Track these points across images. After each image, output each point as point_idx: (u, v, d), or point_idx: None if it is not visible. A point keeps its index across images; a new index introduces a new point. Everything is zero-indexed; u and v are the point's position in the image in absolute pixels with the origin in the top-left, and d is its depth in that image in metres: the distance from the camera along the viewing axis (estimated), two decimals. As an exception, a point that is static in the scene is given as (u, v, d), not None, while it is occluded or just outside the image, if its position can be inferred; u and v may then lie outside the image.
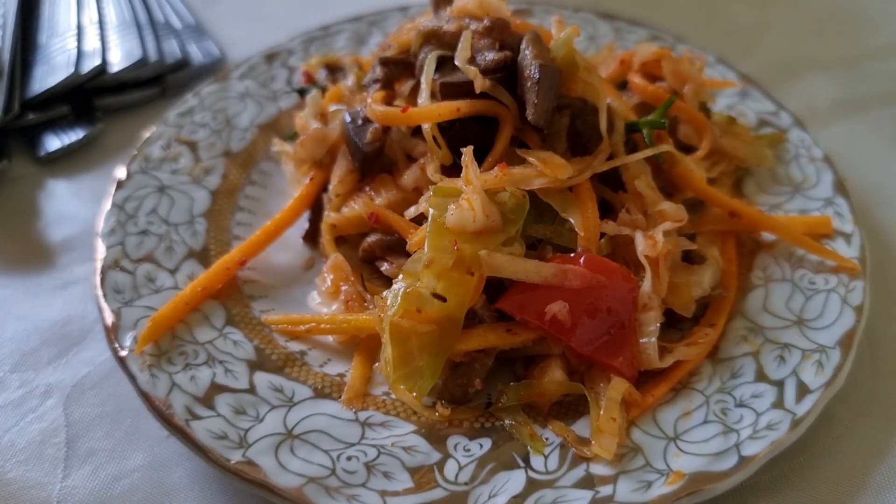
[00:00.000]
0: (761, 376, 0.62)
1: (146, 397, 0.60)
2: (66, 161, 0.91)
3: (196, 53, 1.00)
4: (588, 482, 0.56)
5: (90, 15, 1.00)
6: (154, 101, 0.97)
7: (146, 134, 0.82)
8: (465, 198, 0.61)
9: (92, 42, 0.96)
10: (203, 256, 0.72)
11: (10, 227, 0.85)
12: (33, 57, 0.96)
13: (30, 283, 0.79)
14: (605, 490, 0.55)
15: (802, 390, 0.60)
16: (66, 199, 0.88)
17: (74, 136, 0.91)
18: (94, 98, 0.94)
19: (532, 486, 0.56)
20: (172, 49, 0.98)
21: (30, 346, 0.73)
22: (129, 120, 0.95)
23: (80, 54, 0.94)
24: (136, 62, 0.94)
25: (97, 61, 0.93)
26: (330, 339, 0.67)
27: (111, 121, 0.95)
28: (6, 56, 0.93)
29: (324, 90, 0.80)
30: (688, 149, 0.75)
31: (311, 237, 0.75)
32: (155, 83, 0.97)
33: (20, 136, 0.92)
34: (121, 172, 0.78)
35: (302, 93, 0.84)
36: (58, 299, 0.77)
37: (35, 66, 0.94)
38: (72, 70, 0.91)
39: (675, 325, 0.66)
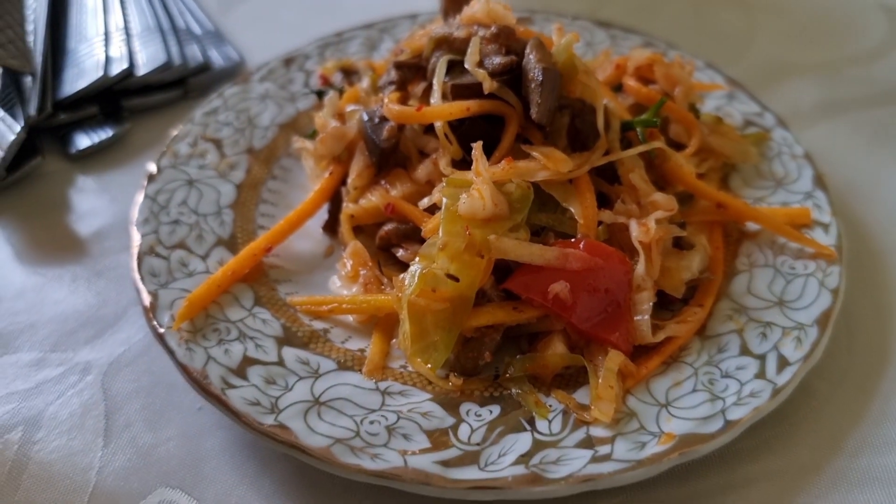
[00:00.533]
0: (745, 351, 0.67)
1: (184, 369, 0.65)
2: (95, 158, 0.96)
3: (217, 58, 1.05)
4: (588, 443, 0.61)
5: (116, 22, 1.05)
6: (177, 103, 1.02)
7: (174, 132, 0.88)
8: (475, 188, 0.66)
9: (119, 47, 1.01)
10: (231, 244, 0.77)
11: (44, 219, 0.90)
12: (63, 61, 1.01)
13: (64, 271, 0.84)
14: (603, 449, 0.60)
15: (783, 363, 0.65)
16: (96, 193, 0.93)
17: (104, 134, 0.96)
18: (121, 99, 0.99)
19: (538, 446, 0.60)
20: (194, 53, 1.04)
21: (68, 327, 0.78)
22: (153, 120, 1.00)
23: (108, 59, 0.99)
24: (160, 66, 0.99)
25: (125, 65, 0.98)
26: (350, 318, 0.72)
27: (137, 120, 1.00)
28: (38, 60, 0.98)
29: (341, 92, 0.86)
30: (678, 146, 0.80)
31: (331, 227, 0.80)
32: (178, 85, 1.02)
33: (52, 134, 0.97)
34: (152, 167, 0.83)
35: (320, 94, 0.89)
36: (92, 285, 0.82)
37: (65, 69, 1.00)
38: (101, 73, 0.96)
39: (666, 306, 0.71)
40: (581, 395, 0.65)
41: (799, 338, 0.67)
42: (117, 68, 0.98)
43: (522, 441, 0.61)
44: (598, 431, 0.62)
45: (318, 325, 0.71)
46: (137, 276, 0.72)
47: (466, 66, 0.73)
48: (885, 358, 0.72)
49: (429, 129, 0.76)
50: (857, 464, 0.65)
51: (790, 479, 0.64)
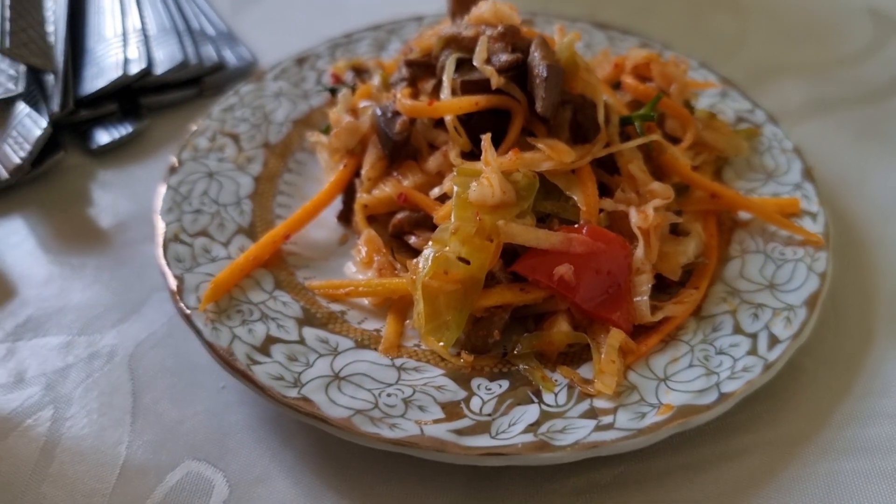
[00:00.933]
0: (738, 330, 0.70)
1: (211, 347, 0.69)
2: (115, 153, 0.99)
3: (230, 57, 1.09)
4: (592, 413, 0.64)
5: (133, 23, 1.09)
6: (193, 100, 1.06)
7: (193, 127, 0.92)
8: (485, 177, 0.70)
9: (137, 47, 1.04)
10: (251, 232, 0.81)
11: (67, 211, 0.93)
12: (82, 60, 1.04)
13: (88, 260, 0.87)
14: (606, 419, 0.63)
15: (773, 340, 0.69)
16: (116, 187, 0.96)
17: (123, 130, 0.99)
18: (139, 97, 1.03)
19: (545, 416, 0.64)
20: (209, 53, 1.08)
21: (94, 312, 0.82)
22: (170, 117, 1.04)
23: (126, 58, 1.03)
24: (177, 65, 1.03)
25: (143, 64, 1.01)
26: (366, 301, 0.76)
27: (154, 117, 1.03)
28: (60, 59, 1.02)
29: (353, 89, 0.90)
30: (674, 141, 0.84)
31: (345, 217, 0.84)
32: (194, 84, 1.05)
33: (73, 130, 1.01)
34: (173, 159, 0.87)
35: (333, 91, 0.93)
36: (115, 273, 0.86)
37: (85, 68, 1.03)
38: (120, 72, 1.00)
39: (664, 289, 0.74)
40: (585, 371, 0.69)
41: (788, 318, 0.71)
42: (136, 67, 1.01)
43: (530, 412, 0.65)
44: (601, 403, 0.65)
45: (336, 307, 0.75)
46: (163, 262, 0.76)
47: (475, 63, 0.77)
48: (869, 337, 0.76)
49: (438, 122, 0.80)
50: (843, 435, 0.69)
51: (781, 449, 0.68)
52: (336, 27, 1.09)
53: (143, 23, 1.09)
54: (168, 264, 0.75)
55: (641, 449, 0.64)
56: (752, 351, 0.69)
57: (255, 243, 0.78)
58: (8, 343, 0.79)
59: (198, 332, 0.70)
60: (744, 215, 0.81)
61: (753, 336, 0.70)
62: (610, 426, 0.63)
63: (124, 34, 1.07)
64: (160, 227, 0.79)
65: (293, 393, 0.65)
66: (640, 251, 0.72)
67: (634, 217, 0.73)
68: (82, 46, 1.07)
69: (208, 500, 0.66)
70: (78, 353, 0.78)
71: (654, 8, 1.23)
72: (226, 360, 0.68)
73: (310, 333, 0.72)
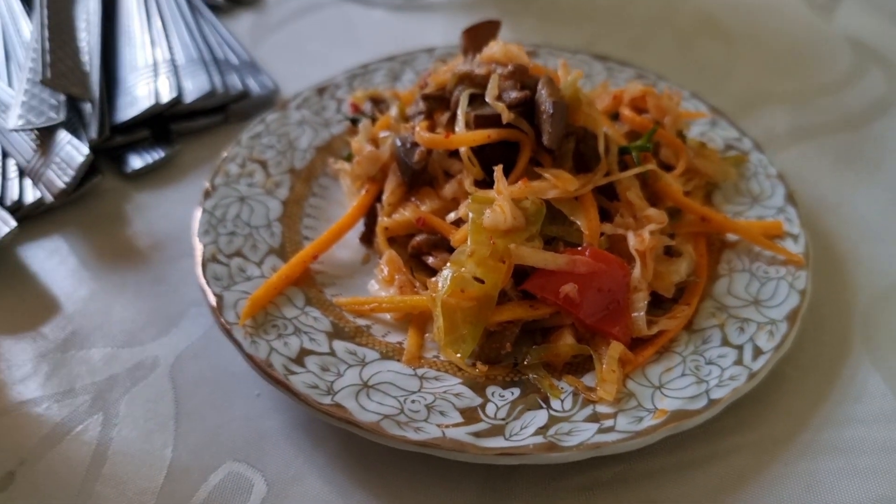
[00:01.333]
0: (725, 342, 0.76)
1: (251, 358, 0.75)
2: (148, 177, 1.06)
3: (254, 85, 1.16)
4: (595, 417, 0.70)
5: (162, 54, 1.16)
6: (219, 127, 1.12)
7: (224, 153, 0.98)
8: (497, 204, 0.77)
9: (167, 76, 1.12)
10: (281, 252, 0.88)
11: (105, 231, 0.99)
12: (116, 90, 1.11)
13: (127, 278, 0.93)
14: (607, 423, 0.70)
15: (757, 352, 0.74)
16: (150, 208, 1.02)
17: (156, 155, 1.06)
18: (170, 124, 1.10)
19: (553, 420, 0.70)
20: (234, 82, 1.15)
21: (136, 325, 0.88)
22: (198, 142, 1.10)
23: (158, 87, 1.10)
24: (205, 94, 1.10)
25: (174, 93, 1.08)
26: (388, 316, 0.82)
27: (184, 143, 1.10)
28: (96, 88, 1.09)
29: (373, 119, 0.97)
30: (668, 168, 0.90)
31: (367, 238, 0.90)
32: (220, 111, 1.12)
33: (108, 155, 1.07)
34: (207, 185, 0.94)
35: (354, 121, 1.01)
36: (153, 289, 0.91)
37: (119, 97, 1.10)
38: (153, 101, 1.07)
39: (659, 305, 0.80)
40: (588, 379, 0.75)
41: (771, 331, 0.77)
42: (168, 96, 1.08)
43: (540, 417, 0.71)
44: (602, 408, 0.71)
45: (361, 322, 0.82)
46: (203, 280, 0.82)
47: (487, 99, 0.84)
48: (846, 349, 0.83)
49: (453, 153, 0.87)
50: (821, 437, 0.74)
51: (765, 449, 0.74)
52: (350, 55, 1.17)
53: (171, 53, 1.16)
54: (207, 283, 0.82)
55: (639, 449, 0.70)
56: (739, 361, 0.75)
57: (287, 263, 0.84)
58: (57, 355, 0.86)
59: (238, 345, 0.77)
60: (731, 237, 0.87)
61: (739, 348, 0.76)
62: (611, 429, 0.70)
63: (155, 65, 1.14)
64: (198, 248, 0.86)
65: (327, 400, 0.72)
66: (637, 271, 0.78)
67: (632, 240, 0.79)
68: (115, 76, 1.14)
69: (248, 498, 0.73)
70: (122, 363, 0.85)
71: (648, 40, 1.30)
72: (265, 370, 0.75)
73: (339, 346, 0.78)
